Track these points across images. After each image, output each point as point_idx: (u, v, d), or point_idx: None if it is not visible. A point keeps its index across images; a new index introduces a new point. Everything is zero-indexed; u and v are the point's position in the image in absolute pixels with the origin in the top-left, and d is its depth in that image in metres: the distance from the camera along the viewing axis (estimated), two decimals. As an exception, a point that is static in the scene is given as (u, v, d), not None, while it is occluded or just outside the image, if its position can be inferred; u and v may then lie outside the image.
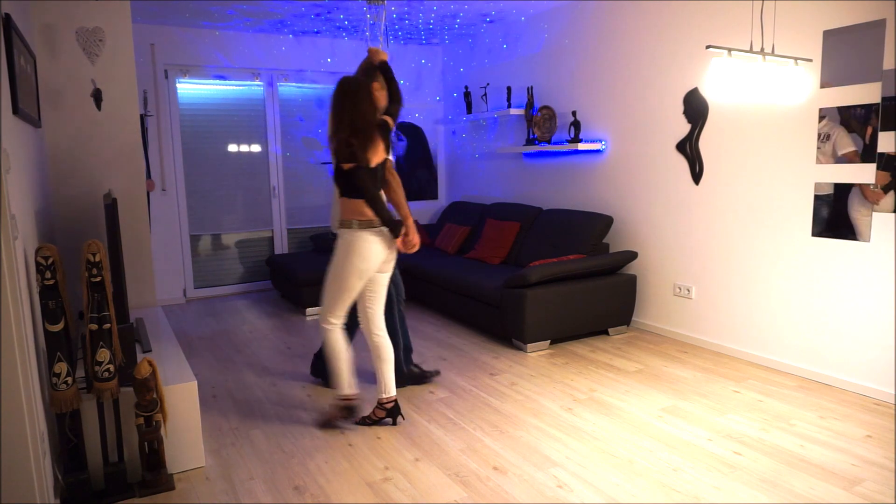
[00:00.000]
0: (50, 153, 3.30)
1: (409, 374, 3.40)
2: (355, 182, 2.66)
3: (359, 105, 2.65)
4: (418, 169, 6.63)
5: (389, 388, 2.90)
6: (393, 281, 3.27)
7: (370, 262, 2.74)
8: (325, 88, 6.10)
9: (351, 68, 6.07)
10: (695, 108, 3.92)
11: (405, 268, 5.08)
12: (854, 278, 3.18)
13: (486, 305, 4.23)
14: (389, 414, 2.92)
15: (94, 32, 3.33)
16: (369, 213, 2.69)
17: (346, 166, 2.66)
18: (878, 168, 3.01)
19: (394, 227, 2.71)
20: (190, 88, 5.51)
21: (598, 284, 4.13)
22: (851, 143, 3.11)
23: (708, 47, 2.68)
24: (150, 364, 2.29)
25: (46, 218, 2.94)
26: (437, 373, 3.50)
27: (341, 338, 2.87)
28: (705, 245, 3.94)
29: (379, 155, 2.72)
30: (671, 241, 4.18)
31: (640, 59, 4.26)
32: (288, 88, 5.93)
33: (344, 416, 2.92)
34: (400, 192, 2.94)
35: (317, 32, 5.65)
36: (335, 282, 2.79)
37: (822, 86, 3.21)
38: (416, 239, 2.88)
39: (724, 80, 2.76)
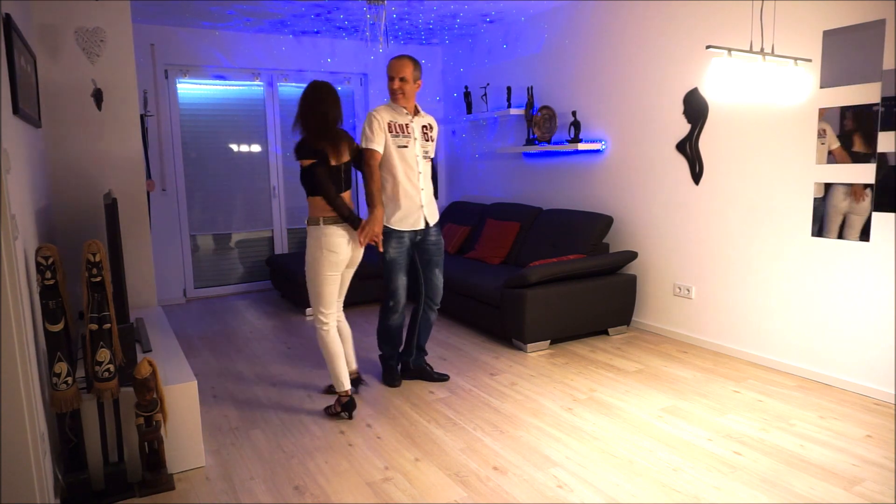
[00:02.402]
0: (50, 153, 3.30)
1: (416, 368, 3.46)
2: (313, 180, 2.86)
3: (319, 107, 2.89)
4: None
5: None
6: (432, 284, 3.35)
7: (341, 255, 2.94)
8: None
9: (351, 68, 6.08)
10: (695, 108, 3.91)
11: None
12: (854, 278, 3.18)
13: (486, 305, 4.22)
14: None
15: (94, 32, 3.33)
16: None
17: (305, 163, 2.89)
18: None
19: (352, 221, 2.92)
20: (190, 88, 5.51)
21: (598, 284, 4.13)
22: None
23: (708, 47, 2.69)
24: (150, 364, 2.29)
25: (46, 218, 2.94)
26: (447, 377, 3.50)
27: (336, 338, 3.00)
28: (705, 245, 3.94)
29: (342, 156, 2.95)
30: (671, 241, 4.18)
31: (640, 59, 4.26)
32: (288, 88, 5.93)
33: (346, 410, 2.98)
34: (369, 185, 3.09)
35: (317, 32, 5.65)
36: (315, 278, 2.96)
37: (822, 86, 3.21)
38: (374, 228, 2.98)
39: (724, 80, 2.76)
